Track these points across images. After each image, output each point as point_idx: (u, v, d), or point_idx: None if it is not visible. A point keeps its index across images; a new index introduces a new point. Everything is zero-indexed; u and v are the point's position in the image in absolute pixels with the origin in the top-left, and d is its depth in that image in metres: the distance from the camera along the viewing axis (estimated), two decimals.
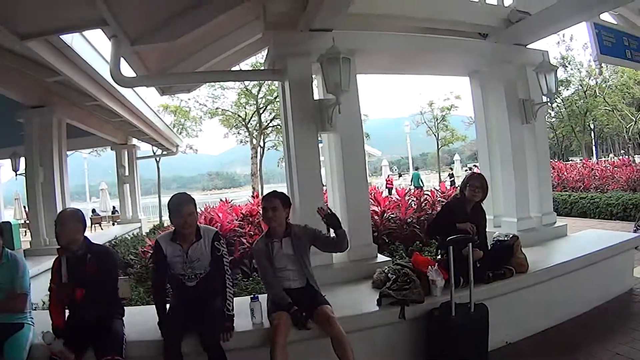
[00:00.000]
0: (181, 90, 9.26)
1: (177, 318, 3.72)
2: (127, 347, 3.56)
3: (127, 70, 5.70)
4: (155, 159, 21.62)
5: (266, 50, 6.35)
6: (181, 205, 3.75)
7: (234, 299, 3.86)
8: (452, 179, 26.20)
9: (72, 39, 6.25)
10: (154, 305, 3.86)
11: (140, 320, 4.02)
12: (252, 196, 12.79)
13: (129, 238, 12.44)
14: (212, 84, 24.01)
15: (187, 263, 3.79)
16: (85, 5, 4.58)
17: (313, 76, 5.50)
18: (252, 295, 4.10)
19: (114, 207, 24.37)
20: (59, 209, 9.39)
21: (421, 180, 25.43)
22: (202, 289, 3.81)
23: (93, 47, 7.16)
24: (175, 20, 5.15)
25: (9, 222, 17.78)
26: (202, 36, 5.68)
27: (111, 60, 5.25)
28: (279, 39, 5.44)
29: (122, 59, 5.38)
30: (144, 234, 14.92)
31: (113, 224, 21.72)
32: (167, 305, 3.87)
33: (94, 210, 24.69)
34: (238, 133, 28.35)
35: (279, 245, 4.01)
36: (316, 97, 5.50)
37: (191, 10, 5.13)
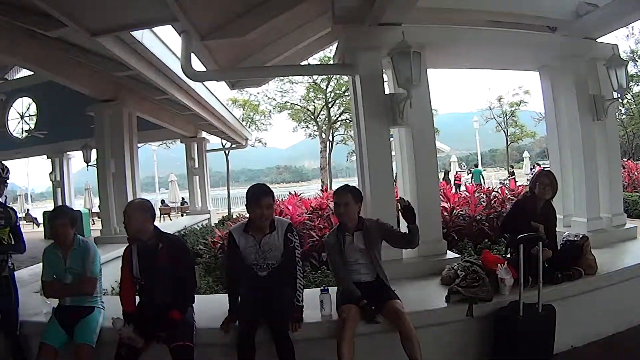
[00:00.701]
0: (251, 84, 9.55)
1: (249, 307, 3.87)
2: (197, 334, 3.77)
3: (197, 65, 5.93)
4: (224, 152, 22.34)
5: (335, 45, 6.45)
6: (260, 196, 3.88)
7: (304, 290, 3.99)
8: (513, 177, 25.42)
9: (142, 35, 6.61)
10: (222, 294, 4.09)
11: (210, 308, 4.24)
12: (322, 190, 12.93)
13: (198, 229, 13.00)
14: (281, 78, 24.39)
15: (260, 253, 3.94)
16: (156, 2, 4.88)
17: (383, 70, 5.53)
18: (322, 287, 4.24)
19: (182, 199, 25.41)
20: (130, 199, 10.04)
21: (482, 177, 25.15)
22: (273, 279, 3.96)
23: (162, 41, 7.53)
24: (245, 15, 5.35)
25: (79, 211, 19.02)
26: (270, 31, 5.82)
27: (182, 55, 5.49)
28: (349, 33, 5.53)
29: (192, 54, 5.61)
30: (212, 225, 15.52)
31: (182, 215, 22.70)
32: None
33: (163, 201, 25.89)
34: (307, 127, 28.75)
35: (350, 238, 4.10)
36: (386, 91, 5.53)
37: (260, 6, 5.30)
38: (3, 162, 4.50)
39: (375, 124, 5.32)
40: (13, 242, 4.42)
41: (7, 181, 4.54)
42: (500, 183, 20.49)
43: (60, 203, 18.31)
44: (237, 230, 4.04)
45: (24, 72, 14.09)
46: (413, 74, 4.76)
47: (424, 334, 3.81)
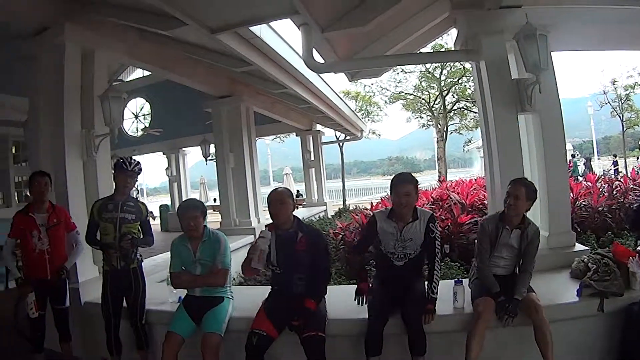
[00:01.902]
0: (369, 74, 9.82)
1: (382, 298, 4.06)
2: (328, 324, 3.98)
3: (317, 57, 6.22)
4: (339, 144, 22.78)
5: (454, 31, 6.54)
6: (397, 184, 4.07)
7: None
8: (616, 167, 23.63)
9: (260, 29, 6.92)
10: (344, 285, 4.32)
11: (339, 299, 4.44)
12: (439, 180, 12.96)
13: (315, 220, 13.60)
14: (394, 68, 24.44)
15: (400, 242, 4.09)
16: None
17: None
18: (455, 279, 4.39)
19: (297, 191, 26.29)
20: (249, 192, 11.05)
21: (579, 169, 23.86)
22: (409, 269, 4.12)
23: (279, 35, 7.85)
24: (363, 5, 5.47)
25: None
26: (388, 20, 5.88)
27: (303, 48, 5.77)
28: (470, 17, 5.58)
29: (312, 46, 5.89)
30: (329, 216, 16.09)
31: (297, 208, 23.37)
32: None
33: None
34: (420, 117, 28.64)
35: (507, 233, 4.14)
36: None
37: None
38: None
39: (503, 111, 5.35)
40: (142, 236, 4.83)
41: (139, 176, 4.94)
42: (603, 173, 19.21)
43: (177, 197, 19.91)
44: (381, 215, 4.21)
45: (135, 74, 15.51)
46: (541, 57, 4.78)
47: (553, 329, 3.79)
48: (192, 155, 22.41)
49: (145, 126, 11.74)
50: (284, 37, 8.10)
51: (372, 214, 4.48)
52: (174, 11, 5.32)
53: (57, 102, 6.05)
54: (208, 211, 4.76)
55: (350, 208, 18.45)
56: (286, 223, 4.13)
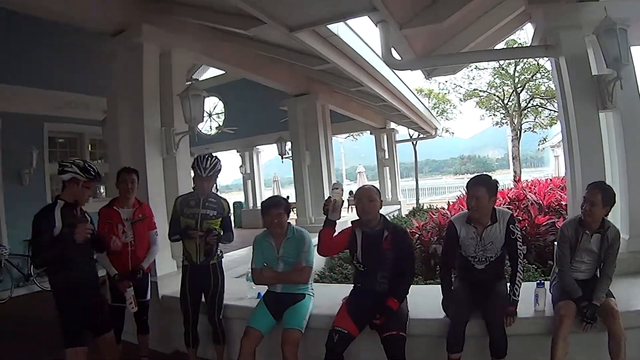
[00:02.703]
0: (446, 72, 9.76)
1: (463, 300, 4.04)
2: (408, 324, 3.99)
3: (394, 54, 6.19)
4: (412, 143, 22.93)
5: (529, 26, 6.44)
6: (470, 187, 4.08)
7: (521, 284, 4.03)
8: None
9: (338, 27, 6.98)
10: (421, 285, 4.33)
11: (420, 299, 4.47)
12: (515, 180, 12.68)
13: (390, 219, 13.63)
14: (468, 65, 24.21)
15: (480, 246, 4.07)
16: None
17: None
18: (537, 281, 4.30)
19: None
20: (325, 190, 11.19)
21: None
22: (490, 272, 4.10)
23: (356, 33, 7.90)
24: (441, 1, 5.48)
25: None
26: (465, 16, 5.89)
27: (382, 45, 5.81)
28: (548, 12, 5.47)
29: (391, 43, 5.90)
30: (403, 215, 16.05)
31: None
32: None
33: (351, 192, 27.05)
34: (494, 115, 28.15)
35: (587, 238, 4.05)
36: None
37: None
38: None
39: (584, 108, 5.24)
40: (222, 232, 4.89)
41: (219, 173, 4.98)
42: None
43: (250, 195, 20.39)
44: (459, 220, 4.19)
45: (208, 74, 15.94)
46: (621, 52, 4.66)
47: (628, 336, 3.69)
48: (265, 153, 23.01)
49: (219, 125, 12.15)
50: (360, 34, 8.14)
51: (450, 220, 4.41)
52: (253, 10, 5.43)
53: (136, 101, 6.34)
54: None
55: (424, 207, 18.37)
56: (373, 220, 4.16)
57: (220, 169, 4.95)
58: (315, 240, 4.40)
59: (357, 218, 4.26)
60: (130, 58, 6.49)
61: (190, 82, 6.53)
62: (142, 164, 5.93)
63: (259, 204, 21.29)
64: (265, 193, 24.20)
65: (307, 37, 6.62)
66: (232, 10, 6.28)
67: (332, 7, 5.76)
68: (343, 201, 4.18)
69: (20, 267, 10.33)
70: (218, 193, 5.52)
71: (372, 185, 4.50)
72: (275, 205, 4.53)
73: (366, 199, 4.15)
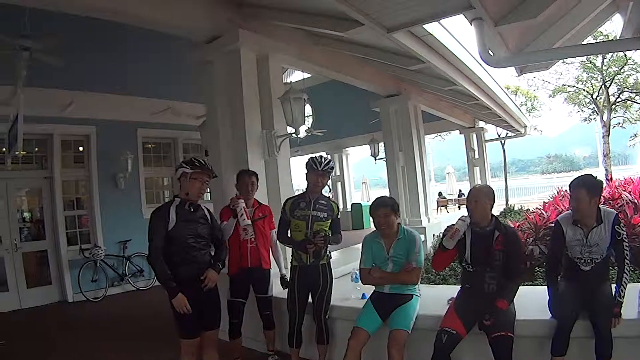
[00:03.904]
0: (539, 68, 9.68)
1: (569, 301, 4.06)
2: (516, 324, 4.04)
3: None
4: (501, 142, 22.71)
5: (619, 17, 6.32)
6: (572, 188, 4.13)
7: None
8: None
9: (432, 26, 7.05)
10: (535, 286, 4.36)
11: (525, 300, 4.45)
12: (607, 179, 12.38)
13: None
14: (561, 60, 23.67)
15: (586, 247, 4.09)
16: None
17: None
18: None
19: (460, 191, 26.30)
20: (420, 190, 11.44)
21: None
22: (595, 273, 4.11)
23: (448, 31, 7.94)
24: None
25: (359, 204, 21.11)
26: (556, 11, 5.84)
27: (478, 43, 5.83)
28: None
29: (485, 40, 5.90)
30: None
31: (459, 207, 23.92)
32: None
33: (440, 193, 27.03)
34: (582, 110, 27.37)
35: None
36: None
37: None
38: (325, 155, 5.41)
39: None
40: (331, 234, 5.08)
41: (332, 171, 5.19)
42: None
43: (340, 196, 20.80)
44: (566, 221, 4.22)
45: (294, 77, 16.26)
46: None
47: None
48: (353, 155, 23.29)
49: (308, 127, 12.43)
50: (452, 33, 8.16)
51: (556, 220, 4.43)
52: (353, 12, 5.57)
53: (236, 106, 6.70)
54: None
55: (514, 208, 18.13)
56: (483, 220, 4.24)
57: (333, 167, 5.18)
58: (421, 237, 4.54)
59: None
60: (228, 64, 6.85)
61: (290, 85, 6.80)
62: (245, 167, 6.15)
63: (348, 206, 21.73)
64: (354, 195, 24.74)
65: (403, 37, 6.73)
66: (328, 13, 6.52)
67: (429, 7, 5.86)
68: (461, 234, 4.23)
69: (115, 267, 11.10)
70: (330, 194, 5.73)
71: (485, 185, 4.60)
72: (383, 205, 4.68)
73: (473, 198, 4.25)
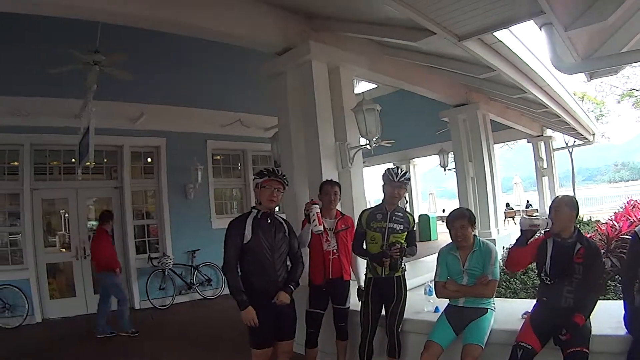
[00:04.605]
0: (609, 72, 9.56)
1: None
2: (592, 340, 3.98)
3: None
4: (568, 150, 22.51)
5: None
6: None
7: None
8: None
9: (501, 34, 7.06)
10: (611, 301, 4.32)
11: (600, 314, 4.31)
12: None
13: None
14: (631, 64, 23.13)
15: None
16: None
17: None
18: None
19: (527, 201, 25.86)
20: (490, 202, 11.50)
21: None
22: None
23: (517, 38, 7.93)
24: None
25: (426, 215, 21.08)
26: (623, 13, 5.71)
27: (549, 49, 5.85)
28: None
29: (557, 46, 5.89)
30: None
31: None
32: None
33: (507, 204, 26.69)
34: None
35: None
36: None
37: None
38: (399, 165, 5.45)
39: None
40: (407, 246, 5.08)
41: (409, 182, 5.26)
42: None
43: (408, 207, 20.79)
44: None
45: (359, 88, 16.47)
46: None
47: None
48: (420, 165, 23.33)
49: (376, 137, 12.59)
50: (521, 39, 8.16)
51: (634, 232, 4.26)
52: (425, 22, 5.70)
53: (309, 117, 6.88)
54: (438, 222, 5.06)
55: (583, 219, 17.77)
56: (565, 232, 4.23)
57: (409, 178, 5.25)
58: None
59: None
60: (300, 75, 7.06)
61: (362, 96, 6.94)
62: (319, 178, 6.30)
63: (416, 217, 21.64)
64: (421, 206, 24.83)
65: (473, 45, 6.80)
66: (398, 23, 6.66)
67: (499, 14, 5.92)
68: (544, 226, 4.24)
69: (184, 276, 11.48)
70: (407, 206, 5.80)
71: (567, 196, 4.56)
72: (460, 217, 4.76)
73: (553, 209, 4.26)
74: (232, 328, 7.91)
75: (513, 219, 24.55)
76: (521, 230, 4.39)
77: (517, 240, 4.46)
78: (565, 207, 4.23)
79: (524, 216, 4.27)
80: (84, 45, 6.70)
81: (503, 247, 10.53)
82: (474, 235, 4.80)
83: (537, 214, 5.00)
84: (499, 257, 8.08)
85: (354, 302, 5.60)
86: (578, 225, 7.32)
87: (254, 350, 4.51)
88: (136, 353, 7.35)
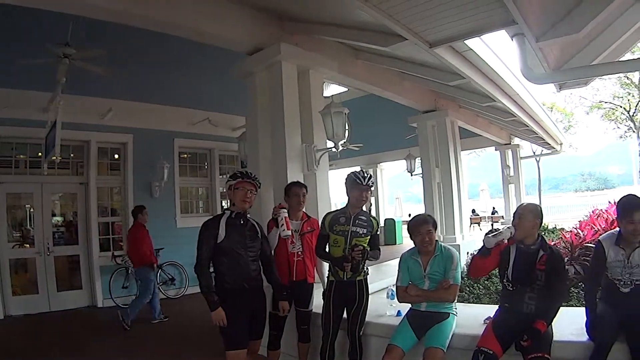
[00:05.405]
0: (578, 84, 9.63)
1: (608, 323, 3.98)
2: (552, 346, 4.00)
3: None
4: (536, 159, 22.86)
5: None
6: (633, 209, 3.95)
7: None
8: None
9: (472, 42, 7.04)
10: (572, 307, 4.30)
11: (562, 321, 4.32)
12: None
13: None
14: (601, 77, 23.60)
15: (627, 268, 4.01)
16: (492, 8, 5.31)
17: None
18: None
19: (493, 208, 26.21)
20: (455, 207, 11.51)
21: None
22: (635, 295, 4.00)
23: (488, 47, 7.92)
24: (575, 10, 5.40)
25: (392, 219, 21.16)
26: (596, 26, 5.74)
27: (519, 59, 5.86)
28: None
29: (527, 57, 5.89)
30: None
31: (492, 225, 23.46)
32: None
33: (473, 210, 26.94)
34: (617, 128, 27.20)
35: None
36: None
37: None
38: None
39: None
40: (370, 249, 4.99)
41: (372, 188, 5.13)
42: None
43: (373, 211, 20.92)
44: (608, 241, 4.14)
45: (329, 91, 16.48)
46: None
47: None
48: (387, 170, 23.46)
49: (344, 141, 12.63)
50: (492, 48, 8.14)
51: (598, 240, 4.35)
52: (397, 27, 5.64)
53: (277, 118, 6.79)
54: (404, 226, 5.02)
55: (548, 226, 18.00)
56: (528, 238, 4.24)
57: (374, 182, 5.18)
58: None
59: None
60: (269, 76, 6.99)
61: (331, 99, 6.88)
62: (284, 180, 6.23)
63: (382, 221, 21.77)
64: (388, 210, 24.96)
65: (444, 52, 6.79)
66: (370, 27, 6.57)
67: (471, 22, 5.89)
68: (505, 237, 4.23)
69: None
70: (371, 209, 5.74)
71: (530, 203, 4.53)
72: (426, 222, 4.71)
73: (517, 216, 4.25)
74: (193, 328, 7.92)
75: (479, 225, 24.77)
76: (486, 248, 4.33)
77: (480, 249, 4.41)
78: (529, 214, 4.23)
79: (488, 236, 4.19)
80: (57, 38, 6.60)
81: (467, 253, 10.54)
82: (436, 240, 4.78)
83: (501, 225, 4.97)
84: (464, 262, 8.03)
85: (317, 305, 5.52)
86: (544, 233, 7.30)
87: (229, 352, 4.44)
88: (93, 351, 7.19)
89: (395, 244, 20.64)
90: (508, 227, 4.23)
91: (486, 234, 4.32)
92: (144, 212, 9.29)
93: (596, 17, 5.31)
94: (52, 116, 6.95)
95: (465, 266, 5.40)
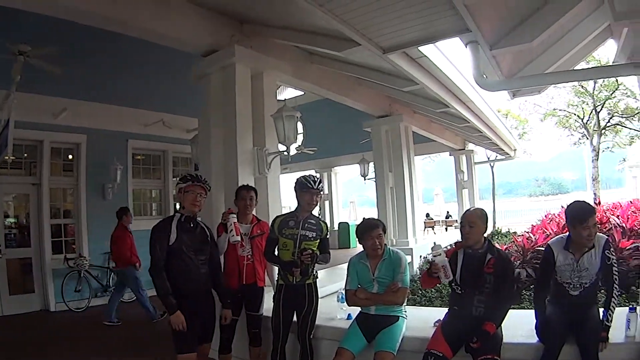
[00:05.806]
0: (532, 92, 9.78)
1: (557, 325, 4.03)
2: (502, 347, 4.04)
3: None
4: (490, 164, 22.95)
5: (613, 43, 6.36)
6: (588, 216, 3.97)
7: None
8: None
9: (427, 49, 7.14)
10: (522, 310, 4.33)
11: (512, 323, 4.37)
12: (596, 202, 12.55)
13: None
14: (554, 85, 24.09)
15: (576, 272, 4.07)
16: (447, 15, 5.33)
17: None
18: (630, 306, 4.21)
19: (447, 212, 26.50)
20: (408, 212, 11.57)
21: None
22: (584, 298, 4.09)
23: (443, 53, 8.05)
24: (529, 20, 5.49)
25: (346, 223, 21.19)
26: (550, 35, 5.85)
27: (473, 67, 5.85)
28: (636, 29, 5.34)
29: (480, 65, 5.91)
30: None
31: (446, 229, 23.86)
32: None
33: (427, 214, 27.19)
34: (572, 134, 27.88)
35: None
36: None
37: (542, 8, 5.41)
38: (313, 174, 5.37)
39: None
40: (319, 253, 4.96)
41: (321, 192, 5.16)
42: None
43: (328, 215, 20.84)
44: (557, 246, 4.20)
45: (285, 94, 16.50)
46: None
47: None
48: (341, 174, 23.42)
49: (298, 145, 12.62)
50: (446, 55, 8.26)
51: (547, 244, 4.42)
52: (350, 32, 5.61)
53: (229, 121, 6.71)
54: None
55: (501, 230, 18.26)
56: (476, 244, 4.26)
57: (322, 189, 5.15)
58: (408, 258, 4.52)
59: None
60: (222, 79, 6.90)
61: (283, 103, 6.83)
62: (235, 184, 6.13)
63: (336, 225, 21.76)
64: (342, 214, 24.90)
65: (398, 58, 6.81)
66: (325, 32, 6.57)
67: (425, 29, 5.90)
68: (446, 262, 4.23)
69: (100, 278, 11.02)
70: (320, 215, 5.69)
71: (478, 209, 4.59)
72: (376, 227, 4.70)
73: (468, 224, 4.25)
74: (146, 332, 7.78)
75: (433, 229, 25.00)
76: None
77: (427, 270, 4.41)
78: (479, 220, 4.26)
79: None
80: (11, 36, 6.51)
81: (420, 257, 10.60)
82: (385, 244, 4.77)
83: (433, 252, 5.04)
84: (417, 265, 8.03)
85: (267, 308, 5.44)
86: (497, 237, 7.32)
87: (180, 356, 4.38)
88: (44, 358, 6.96)
89: (350, 247, 20.71)
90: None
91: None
92: (128, 214, 9.31)
93: (550, 27, 5.39)
94: (5, 114, 6.75)
95: (418, 270, 5.39)
